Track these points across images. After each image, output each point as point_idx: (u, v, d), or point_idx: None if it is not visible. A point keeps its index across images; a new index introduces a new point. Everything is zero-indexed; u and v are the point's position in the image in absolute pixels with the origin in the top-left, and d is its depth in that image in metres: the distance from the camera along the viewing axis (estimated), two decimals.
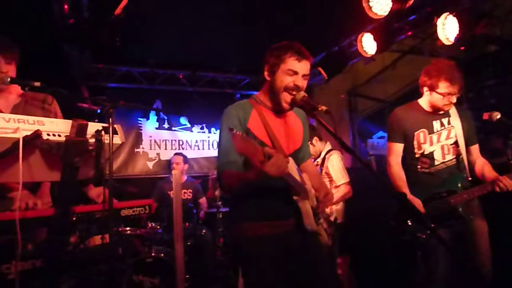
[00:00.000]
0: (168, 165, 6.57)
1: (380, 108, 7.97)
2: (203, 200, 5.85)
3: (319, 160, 3.99)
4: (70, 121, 1.90)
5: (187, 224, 4.87)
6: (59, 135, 1.85)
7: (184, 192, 5.69)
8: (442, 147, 3.00)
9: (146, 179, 6.66)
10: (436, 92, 2.89)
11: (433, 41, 5.41)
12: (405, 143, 3.06)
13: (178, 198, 3.46)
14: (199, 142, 7.33)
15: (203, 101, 7.19)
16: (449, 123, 3.02)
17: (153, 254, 4.09)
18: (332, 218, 3.82)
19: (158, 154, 6.92)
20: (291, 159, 2.23)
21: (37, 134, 1.76)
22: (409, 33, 4.91)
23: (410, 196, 2.86)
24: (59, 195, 1.96)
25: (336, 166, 3.89)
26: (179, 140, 7.15)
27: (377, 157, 7.56)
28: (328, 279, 2.32)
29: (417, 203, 2.84)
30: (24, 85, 2.14)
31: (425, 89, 2.99)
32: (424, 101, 3.06)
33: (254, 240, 2.17)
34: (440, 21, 4.32)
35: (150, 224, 4.47)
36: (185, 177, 5.87)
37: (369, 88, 7.67)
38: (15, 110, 2.32)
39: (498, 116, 2.97)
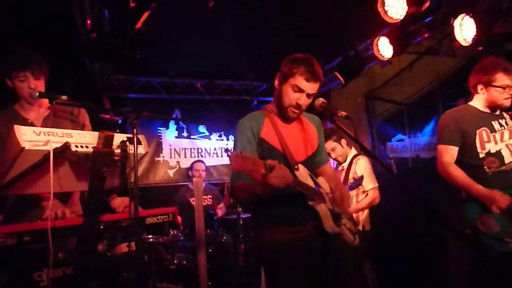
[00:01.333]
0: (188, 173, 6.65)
1: (398, 110, 7.93)
2: (221, 206, 5.89)
3: (345, 164, 3.96)
4: (97, 133, 1.96)
5: (208, 230, 4.89)
6: (86, 147, 1.91)
7: (204, 198, 5.73)
8: (507, 146, 2.79)
9: (167, 187, 6.74)
10: (494, 86, 2.76)
11: (450, 41, 5.37)
12: (463, 144, 2.80)
13: (200, 206, 3.46)
14: (218, 150, 7.39)
15: (220, 109, 7.29)
16: (507, 124, 2.86)
17: (175, 261, 4.12)
18: (360, 227, 3.79)
19: (178, 162, 7.01)
20: (301, 166, 2.24)
21: (66, 146, 1.82)
22: (426, 35, 4.87)
23: (485, 190, 2.60)
24: (87, 204, 2.02)
25: (364, 171, 3.83)
26: (198, 148, 7.23)
27: (397, 160, 7.51)
28: (352, 279, 2.32)
29: (499, 195, 2.54)
30: (52, 99, 2.23)
31: (480, 87, 2.84)
32: (478, 101, 2.89)
33: (274, 246, 2.20)
34: (457, 22, 4.28)
35: (172, 232, 4.52)
36: (203, 184, 5.92)
37: (387, 91, 7.65)
38: (45, 122, 2.42)
39: None
